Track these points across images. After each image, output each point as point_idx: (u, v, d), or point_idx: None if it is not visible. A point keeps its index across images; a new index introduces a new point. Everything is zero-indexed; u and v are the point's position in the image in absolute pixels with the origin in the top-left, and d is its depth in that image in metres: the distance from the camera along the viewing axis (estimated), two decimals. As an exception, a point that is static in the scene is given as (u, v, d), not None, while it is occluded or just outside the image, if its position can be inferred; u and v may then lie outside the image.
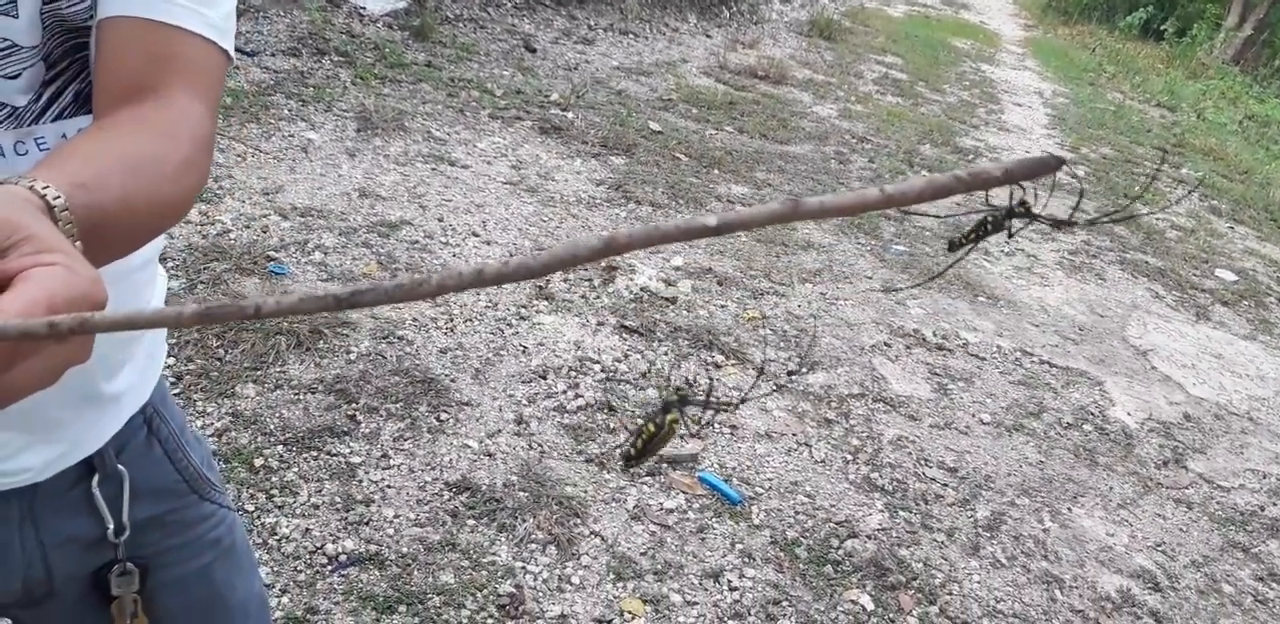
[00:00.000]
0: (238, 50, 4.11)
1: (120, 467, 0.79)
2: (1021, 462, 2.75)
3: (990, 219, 0.49)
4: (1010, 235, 0.50)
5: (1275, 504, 2.87)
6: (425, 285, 0.30)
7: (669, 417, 0.55)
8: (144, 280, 0.78)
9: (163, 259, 2.58)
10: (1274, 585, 2.49)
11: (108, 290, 0.71)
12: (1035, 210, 0.48)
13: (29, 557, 0.76)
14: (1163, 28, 15.97)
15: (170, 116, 0.61)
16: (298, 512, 1.90)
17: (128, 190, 0.52)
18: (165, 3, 0.62)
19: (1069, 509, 2.58)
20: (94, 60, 0.64)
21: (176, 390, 2.14)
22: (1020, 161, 0.29)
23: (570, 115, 4.66)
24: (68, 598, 0.80)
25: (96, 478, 0.78)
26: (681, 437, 2.48)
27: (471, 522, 2.00)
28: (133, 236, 0.56)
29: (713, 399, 0.56)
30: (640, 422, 0.59)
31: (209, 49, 0.65)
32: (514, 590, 1.86)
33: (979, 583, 2.21)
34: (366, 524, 1.92)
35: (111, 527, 0.79)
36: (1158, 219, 5.61)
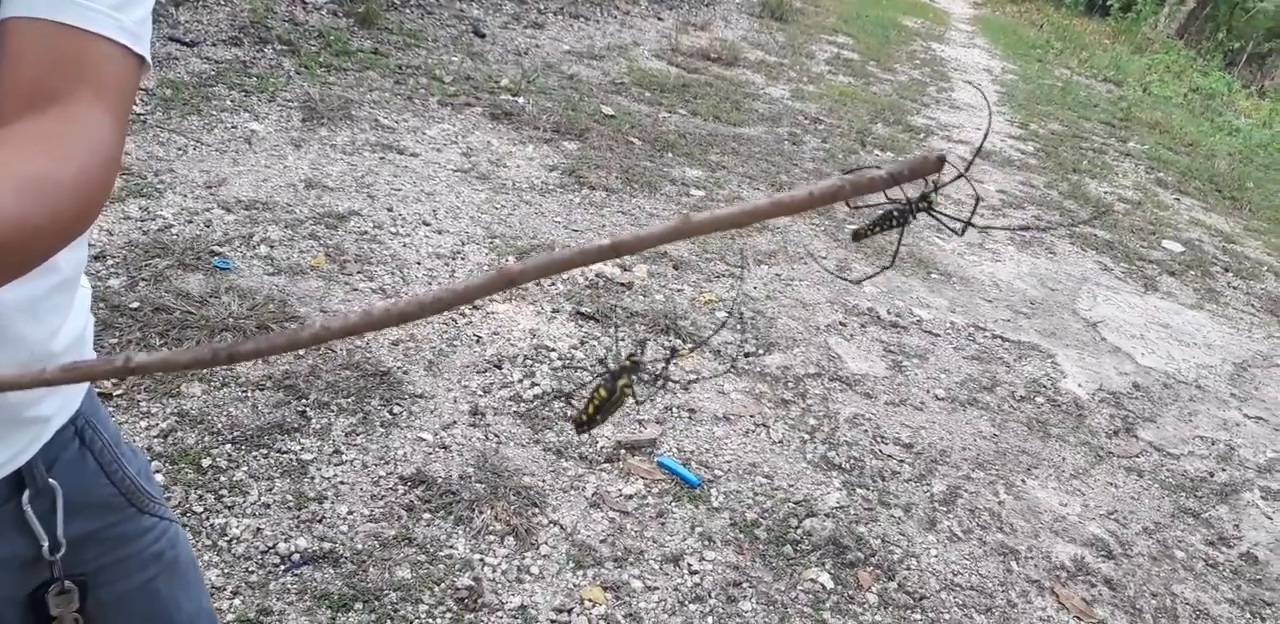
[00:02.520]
0: (177, 41, 4.02)
1: (52, 481, 0.76)
2: (976, 435, 2.78)
3: (895, 213, 0.50)
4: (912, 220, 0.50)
5: (1224, 470, 2.94)
6: (303, 333, 0.29)
7: (620, 382, 0.54)
8: (53, 307, 0.73)
9: (102, 256, 2.52)
10: (1224, 550, 2.55)
11: (14, 320, 0.69)
12: (937, 206, 0.49)
13: None
14: (1108, 3, 16.16)
15: (72, 129, 0.57)
16: (248, 511, 1.87)
17: (20, 211, 0.50)
18: (75, 5, 0.58)
19: (1023, 481, 2.62)
20: None
21: (120, 391, 2.09)
22: (902, 162, 0.30)
23: (521, 101, 4.61)
24: (5, 621, 0.77)
25: (27, 494, 0.74)
26: (639, 402, 2.47)
27: (427, 515, 1.98)
28: (27, 258, 0.53)
29: (661, 364, 0.55)
30: (593, 387, 0.57)
31: (122, 55, 0.61)
32: (472, 583, 1.85)
33: (936, 557, 2.24)
34: (319, 522, 1.89)
35: (46, 544, 0.76)
36: (1106, 193, 5.69)
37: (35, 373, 0.29)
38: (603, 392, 0.55)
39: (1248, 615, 2.31)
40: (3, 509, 0.74)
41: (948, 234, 4.37)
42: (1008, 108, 7.50)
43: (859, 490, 2.40)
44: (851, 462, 2.51)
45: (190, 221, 2.79)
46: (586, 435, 2.36)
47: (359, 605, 1.73)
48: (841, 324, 3.25)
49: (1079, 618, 2.16)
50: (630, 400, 0.57)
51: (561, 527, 2.06)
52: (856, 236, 0.53)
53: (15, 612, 0.77)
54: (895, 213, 0.50)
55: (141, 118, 3.32)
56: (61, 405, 0.77)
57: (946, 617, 2.07)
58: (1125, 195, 5.74)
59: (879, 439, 2.64)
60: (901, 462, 2.57)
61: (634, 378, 0.55)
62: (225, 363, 0.29)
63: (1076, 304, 3.92)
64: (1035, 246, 4.49)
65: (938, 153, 0.30)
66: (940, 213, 0.48)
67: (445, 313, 2.74)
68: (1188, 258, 4.85)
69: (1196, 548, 2.53)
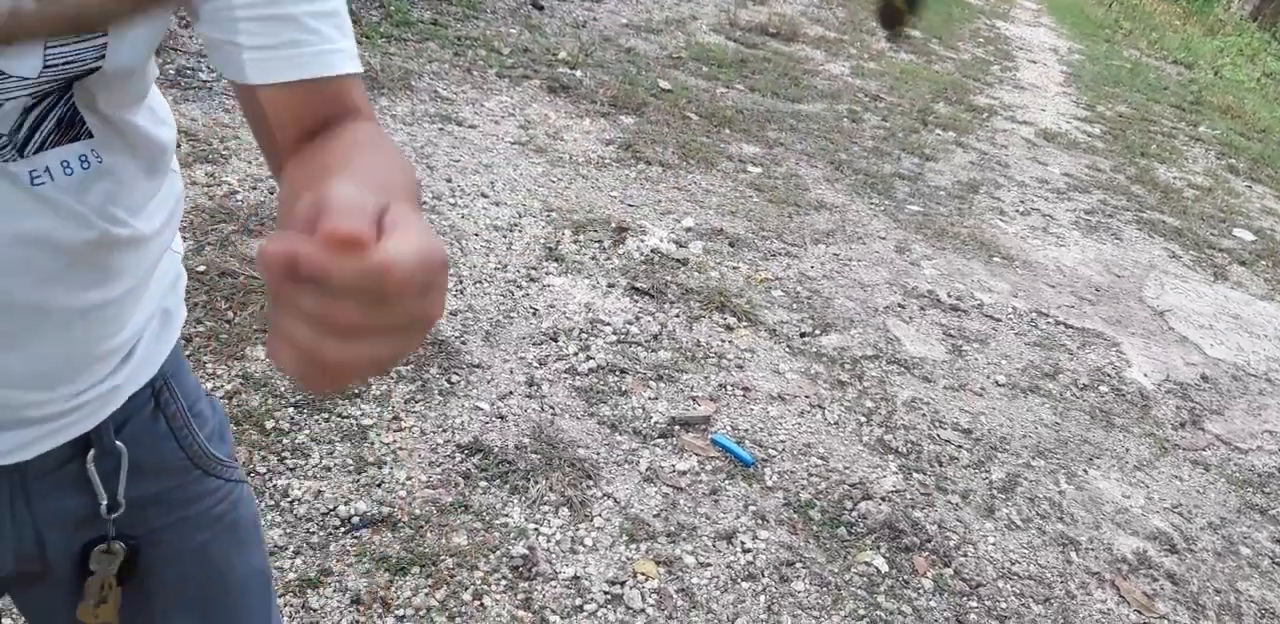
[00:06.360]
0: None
1: (119, 443, 0.76)
2: (1037, 423, 2.72)
3: None
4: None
5: (1292, 466, 2.85)
6: None
7: None
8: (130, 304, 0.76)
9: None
10: (1290, 547, 2.47)
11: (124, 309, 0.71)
12: None
13: (20, 533, 0.74)
14: (1182, -17, 15.62)
15: (367, 135, 0.64)
16: (309, 474, 1.89)
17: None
18: (325, 53, 0.63)
19: (1085, 471, 2.56)
20: (262, 122, 0.64)
21: (186, 353, 2.11)
22: None
23: (579, 74, 4.58)
24: (61, 575, 0.78)
25: (92, 454, 0.75)
26: (695, 399, 2.45)
27: (484, 484, 1.99)
28: None
29: None
30: None
31: (359, 78, 0.67)
32: (527, 552, 1.85)
33: (994, 545, 2.20)
34: (379, 486, 1.91)
35: (105, 503, 0.76)
36: (1175, 178, 5.52)
37: None
38: None
39: (1315, 615, 2.24)
40: (66, 468, 0.74)
41: (1010, 216, 4.27)
42: (1074, 88, 7.30)
43: (916, 475, 2.37)
44: (909, 446, 2.47)
45: (254, 188, 2.82)
46: (641, 410, 2.35)
47: (416, 569, 1.75)
48: (900, 306, 3.19)
49: (1140, 611, 2.11)
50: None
51: (615, 500, 2.06)
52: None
53: (70, 566, 0.78)
54: None
55: (208, 85, 3.35)
56: (134, 372, 0.77)
57: (1003, 605, 2.04)
58: (1195, 181, 5.57)
59: (937, 424, 2.60)
60: (960, 447, 2.52)
61: None
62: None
63: (1143, 292, 3.82)
64: (1101, 232, 4.37)
65: None
66: None
67: (502, 283, 2.74)
68: (1259, 247, 4.70)
69: (1263, 545, 2.46)
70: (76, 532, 0.76)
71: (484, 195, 3.20)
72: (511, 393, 2.29)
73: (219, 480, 0.85)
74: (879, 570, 2.04)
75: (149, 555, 0.81)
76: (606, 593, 1.82)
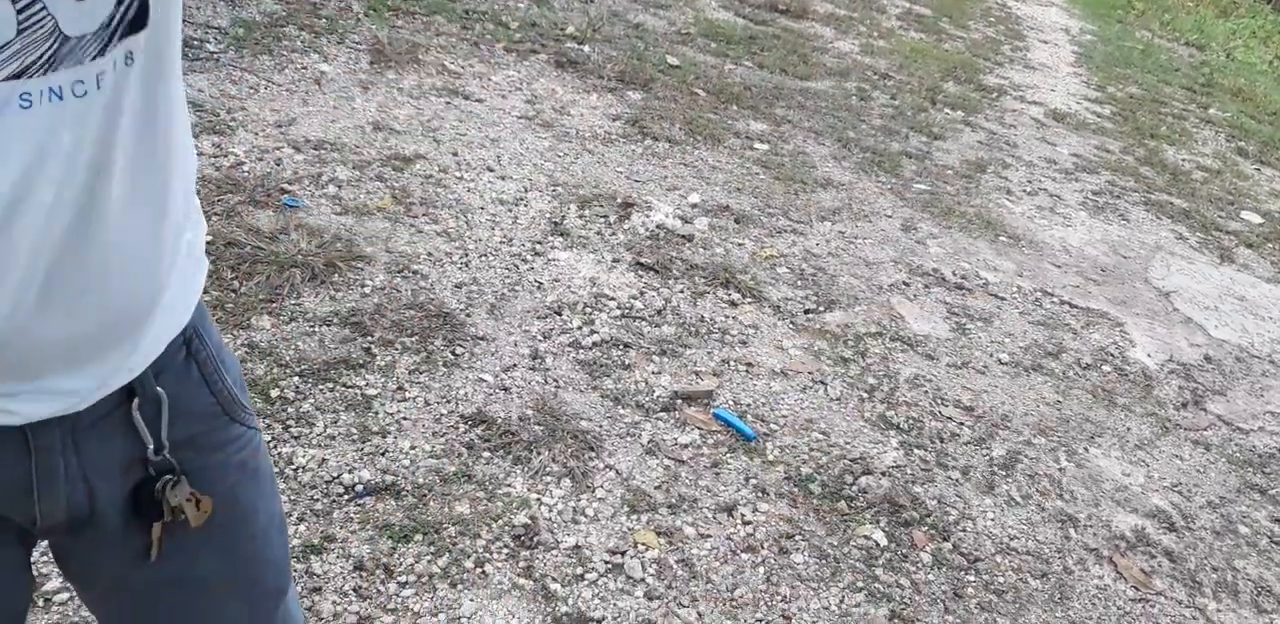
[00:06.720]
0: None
1: (160, 389, 0.78)
2: (1039, 401, 2.73)
3: None
4: None
5: (1293, 447, 2.86)
6: None
7: None
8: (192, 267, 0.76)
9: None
10: (1288, 526, 2.49)
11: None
12: None
13: (71, 481, 0.76)
14: (1197, -37, 15.41)
15: None
16: (314, 442, 1.91)
17: None
18: None
19: (1085, 449, 2.57)
20: None
21: (191, 322, 2.13)
22: None
23: (586, 49, 4.55)
24: (110, 520, 0.80)
25: (137, 401, 0.76)
26: (698, 373, 2.46)
27: (487, 454, 2.01)
28: None
29: None
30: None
31: None
32: (529, 521, 1.87)
33: (993, 520, 2.22)
34: (383, 455, 1.93)
35: (151, 446, 0.78)
36: (1184, 160, 5.49)
37: None
38: None
39: (1311, 593, 2.26)
40: (114, 415, 0.76)
41: (1017, 196, 4.25)
42: (1085, 69, 7.24)
43: (917, 451, 2.38)
44: (910, 422, 2.48)
45: (261, 159, 2.82)
46: (644, 384, 2.36)
47: (419, 537, 1.77)
48: (905, 284, 3.19)
49: (1137, 588, 2.13)
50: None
51: (617, 471, 2.07)
52: None
53: (117, 512, 0.80)
54: None
55: (215, 56, 3.34)
56: (172, 321, 0.78)
57: (1001, 580, 2.05)
58: (1204, 163, 5.54)
59: (939, 401, 2.60)
60: (961, 424, 2.53)
61: None
62: None
63: (1149, 273, 3.81)
64: (1108, 213, 4.35)
65: None
66: None
67: (507, 257, 2.74)
68: (1266, 230, 4.68)
69: (1261, 524, 2.47)
70: (123, 476, 0.78)
71: (490, 169, 3.19)
72: (515, 365, 2.30)
73: (242, 427, 0.88)
74: (878, 544, 2.06)
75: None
76: (607, 562, 1.84)
